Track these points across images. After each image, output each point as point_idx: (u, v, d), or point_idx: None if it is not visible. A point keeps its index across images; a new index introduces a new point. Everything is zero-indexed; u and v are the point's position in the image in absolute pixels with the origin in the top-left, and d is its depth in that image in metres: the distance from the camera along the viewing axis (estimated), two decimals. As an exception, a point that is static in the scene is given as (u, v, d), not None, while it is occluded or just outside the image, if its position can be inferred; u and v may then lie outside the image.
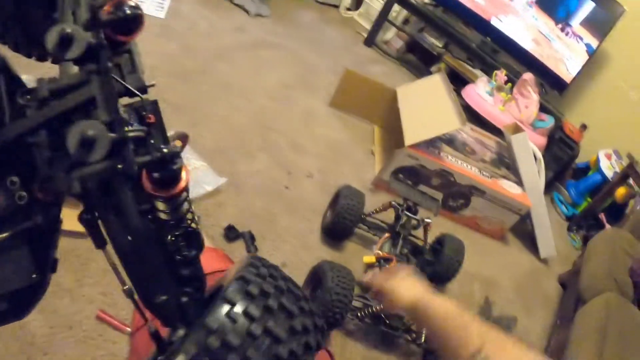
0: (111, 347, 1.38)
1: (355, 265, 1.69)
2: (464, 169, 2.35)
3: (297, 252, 1.80)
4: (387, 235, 1.79)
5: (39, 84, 0.43)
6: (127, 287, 0.50)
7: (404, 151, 2.18)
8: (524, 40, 3.49)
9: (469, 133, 2.75)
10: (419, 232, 1.90)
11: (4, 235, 0.43)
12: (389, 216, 1.92)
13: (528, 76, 3.21)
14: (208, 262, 0.67)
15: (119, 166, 0.42)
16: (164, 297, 0.48)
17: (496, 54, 3.55)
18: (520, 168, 2.58)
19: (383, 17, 3.62)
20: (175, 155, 0.44)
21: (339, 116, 2.65)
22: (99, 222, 0.47)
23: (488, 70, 3.48)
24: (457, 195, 2.39)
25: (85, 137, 0.38)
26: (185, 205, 0.48)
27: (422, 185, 2.30)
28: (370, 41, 3.68)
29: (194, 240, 0.50)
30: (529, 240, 2.67)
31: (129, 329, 1.39)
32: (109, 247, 0.49)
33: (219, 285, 0.54)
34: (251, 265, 0.51)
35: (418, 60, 3.86)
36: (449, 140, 2.50)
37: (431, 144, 2.31)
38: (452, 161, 2.34)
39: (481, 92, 3.29)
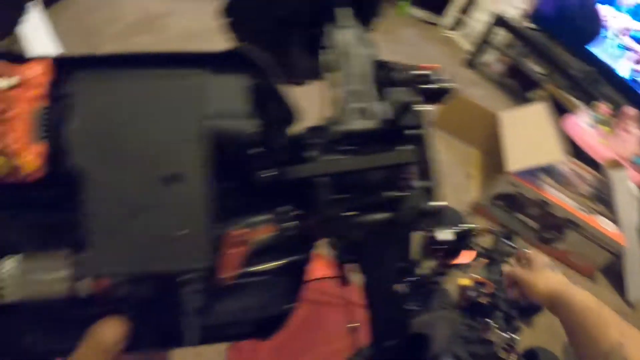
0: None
1: (449, 285, 1.69)
2: (562, 201, 2.30)
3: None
4: (482, 260, 1.79)
5: (329, 124, 0.45)
6: (354, 324, 0.53)
7: (505, 177, 2.16)
8: (627, 72, 3.38)
9: (568, 165, 2.69)
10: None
11: (276, 263, 0.45)
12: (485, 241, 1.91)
13: (630, 110, 3.10)
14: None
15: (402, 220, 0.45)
16: (392, 343, 0.50)
17: (598, 84, 3.45)
18: (618, 205, 2.50)
19: (485, 40, 3.59)
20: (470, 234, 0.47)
21: (439, 136, 2.66)
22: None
23: (588, 101, 3.39)
24: (552, 227, 2.35)
25: (416, 210, 0.43)
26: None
27: (519, 214, 2.28)
28: (470, 63, 3.66)
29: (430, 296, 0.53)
30: (618, 280, 2.57)
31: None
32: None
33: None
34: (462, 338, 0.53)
35: (518, 85, 3.80)
36: (549, 171, 2.45)
37: (532, 173, 2.29)
38: (551, 192, 2.30)
39: (582, 123, 3.21)
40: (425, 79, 0.50)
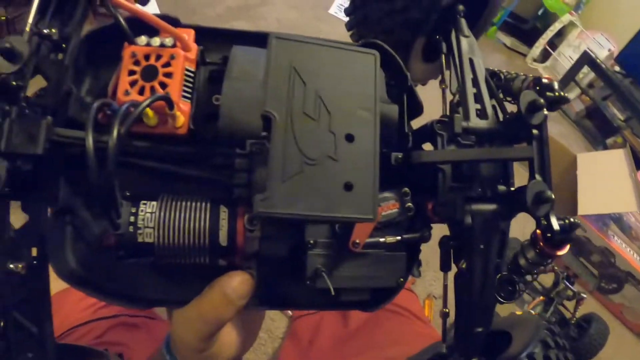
0: (269, 324, 1.48)
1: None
2: (627, 253, 2.25)
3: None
4: (541, 298, 1.78)
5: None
6: (446, 309, 0.55)
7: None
8: None
9: (637, 217, 2.62)
10: (569, 304, 1.86)
11: (397, 238, 0.49)
12: (543, 279, 1.89)
13: None
14: None
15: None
16: (480, 329, 0.52)
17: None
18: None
19: (570, 77, 3.52)
20: (575, 226, 0.49)
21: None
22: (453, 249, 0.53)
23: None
24: (611, 278, 2.29)
25: (539, 195, 0.46)
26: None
27: (582, 258, 2.24)
28: (551, 97, 3.60)
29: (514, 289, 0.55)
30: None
31: (290, 313, 1.49)
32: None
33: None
34: (549, 331, 0.55)
35: (595, 128, 3.71)
36: (617, 220, 2.40)
37: (600, 219, 2.24)
38: (617, 242, 2.25)
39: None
40: (548, 87, 0.54)
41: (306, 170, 0.38)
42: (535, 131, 0.50)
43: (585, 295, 1.80)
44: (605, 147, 3.22)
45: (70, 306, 1.07)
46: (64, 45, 0.44)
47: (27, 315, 0.44)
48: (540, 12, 4.00)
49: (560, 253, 0.50)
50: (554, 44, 3.87)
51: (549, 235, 0.49)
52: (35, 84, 0.43)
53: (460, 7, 0.64)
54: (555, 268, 1.81)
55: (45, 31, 0.42)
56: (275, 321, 1.48)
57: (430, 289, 1.76)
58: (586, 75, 3.70)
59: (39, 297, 0.45)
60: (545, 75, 3.64)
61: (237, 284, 0.46)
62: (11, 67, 0.39)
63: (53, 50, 0.43)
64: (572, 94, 3.73)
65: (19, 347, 0.44)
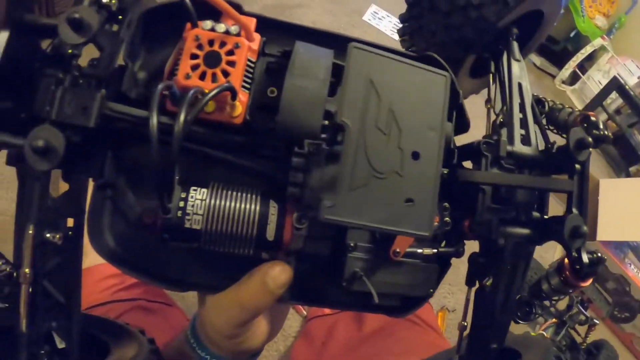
0: (282, 321, 1.49)
1: (514, 336, 1.69)
2: (643, 283, 2.24)
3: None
4: (554, 320, 1.77)
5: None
6: (464, 323, 0.56)
7: (592, 245, 2.12)
8: None
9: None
10: (580, 329, 1.85)
11: (434, 251, 0.51)
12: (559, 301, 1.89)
13: None
14: None
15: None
16: (494, 345, 0.53)
17: None
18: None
19: (598, 102, 3.50)
20: (602, 261, 0.51)
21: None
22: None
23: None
24: (625, 307, 2.28)
25: (576, 229, 0.49)
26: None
27: (597, 284, 2.23)
28: (577, 120, 3.58)
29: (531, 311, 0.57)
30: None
31: (305, 312, 1.50)
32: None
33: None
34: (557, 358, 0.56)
35: (619, 154, 3.68)
36: (635, 248, 2.38)
37: (619, 246, 2.23)
38: (634, 271, 2.23)
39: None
40: (594, 125, 0.56)
41: (373, 183, 0.40)
42: (578, 166, 0.52)
43: (597, 322, 1.80)
44: (629, 175, 3.20)
45: (90, 286, 1.08)
46: (120, 17, 0.43)
47: (56, 285, 0.45)
48: (572, 34, 3.98)
49: (583, 285, 0.52)
50: (583, 67, 3.85)
51: (577, 267, 0.51)
52: (86, 54, 0.43)
53: (514, 30, 0.66)
54: (570, 291, 1.81)
55: (104, 1, 0.41)
56: (289, 319, 1.49)
57: (444, 301, 1.77)
58: (614, 101, 3.67)
59: (70, 268, 0.46)
60: (572, 97, 3.63)
61: (277, 272, 0.47)
62: (78, 39, 0.39)
63: (108, 21, 0.43)
64: (600, 118, 3.70)
65: (45, 314, 0.44)
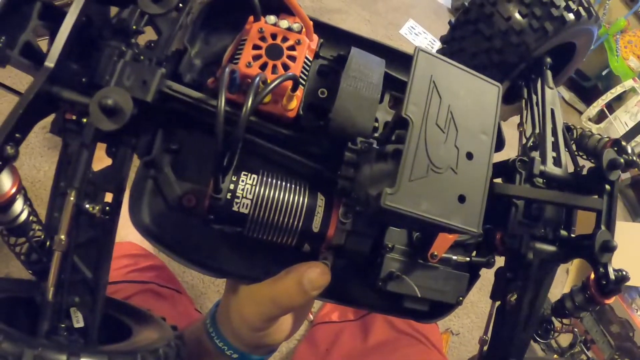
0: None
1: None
2: (647, 330, 2.22)
3: (472, 329, 1.83)
4: (555, 356, 1.77)
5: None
6: (486, 337, 0.58)
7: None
8: None
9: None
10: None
11: (467, 259, 0.53)
12: (561, 338, 1.88)
13: None
14: None
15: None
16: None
17: None
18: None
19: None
20: (627, 278, 0.52)
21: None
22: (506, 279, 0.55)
23: None
24: (627, 352, 2.25)
25: (605, 244, 0.50)
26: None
27: (602, 326, 2.22)
28: (599, 159, 3.56)
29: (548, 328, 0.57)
30: None
31: (311, 317, 1.51)
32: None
33: None
34: None
35: (637, 199, 3.66)
36: (644, 295, 2.37)
37: (627, 291, 2.22)
38: (639, 317, 2.22)
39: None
40: (624, 150, 0.60)
41: (430, 176, 0.41)
42: (607, 187, 0.54)
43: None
44: (644, 220, 3.18)
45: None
46: (180, 5, 0.44)
47: (85, 260, 0.45)
48: (604, 73, 3.96)
49: (607, 301, 0.54)
50: (611, 106, 3.83)
51: (604, 282, 0.53)
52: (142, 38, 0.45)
53: (548, 60, 0.70)
54: (575, 330, 1.80)
55: None
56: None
57: (449, 324, 1.76)
58: (638, 144, 3.66)
59: (102, 244, 0.46)
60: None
61: (316, 275, 0.47)
62: (157, 9, 0.40)
63: None
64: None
65: (69, 288, 0.44)
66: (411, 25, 2.97)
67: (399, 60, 0.54)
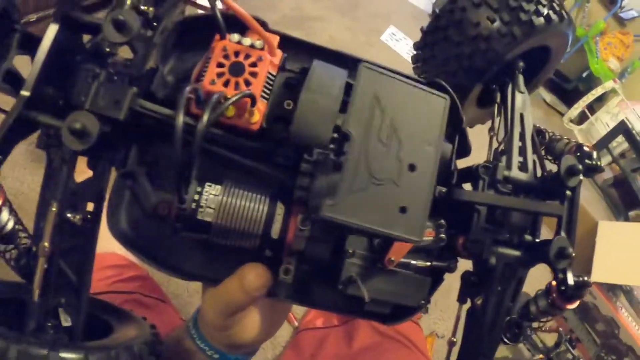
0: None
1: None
2: (632, 327, 2.24)
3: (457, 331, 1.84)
4: (541, 356, 1.78)
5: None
6: (454, 339, 0.58)
7: (586, 284, 2.13)
8: None
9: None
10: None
11: (427, 264, 0.53)
12: (546, 338, 1.90)
13: None
14: None
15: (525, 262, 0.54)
16: None
17: None
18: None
19: (604, 144, 3.52)
20: (588, 285, 0.53)
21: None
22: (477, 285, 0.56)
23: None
24: (612, 350, 2.28)
25: (561, 250, 0.51)
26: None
27: (587, 324, 2.24)
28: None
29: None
30: None
31: (296, 323, 1.51)
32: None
33: None
34: None
35: (620, 198, 3.70)
36: (628, 293, 2.39)
37: (611, 289, 2.24)
38: (624, 315, 2.24)
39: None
40: (587, 155, 0.59)
41: (371, 188, 0.43)
42: (568, 193, 0.55)
43: (583, 362, 1.81)
44: (627, 219, 3.21)
45: (88, 274, 1.09)
46: (155, 24, 0.46)
47: (70, 265, 0.48)
48: (584, 74, 4.02)
49: (569, 307, 0.55)
50: (592, 108, 3.88)
51: (563, 288, 0.53)
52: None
53: (520, 64, 0.71)
54: (560, 329, 1.82)
55: (142, 8, 0.44)
56: (281, 329, 1.49)
57: (435, 327, 1.77)
58: (620, 144, 3.69)
59: (85, 249, 0.50)
60: (579, 137, 3.64)
61: (252, 277, 0.50)
62: (120, 38, 0.42)
63: (144, 27, 0.45)
64: (603, 161, 3.71)
65: (56, 290, 0.48)
66: (392, 31, 2.99)
67: None
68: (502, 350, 1.91)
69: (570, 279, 0.53)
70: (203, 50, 0.50)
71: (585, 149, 0.61)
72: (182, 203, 0.46)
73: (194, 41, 0.52)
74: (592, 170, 0.57)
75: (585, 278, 0.53)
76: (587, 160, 0.57)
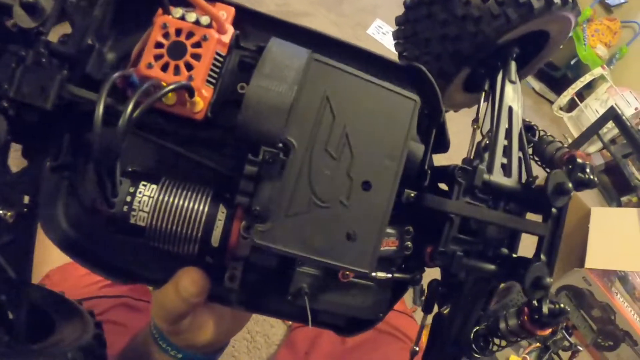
0: (267, 329, 1.49)
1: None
2: (628, 312, 2.24)
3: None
4: (538, 344, 1.78)
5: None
6: (416, 348, 0.53)
7: (581, 272, 2.13)
8: None
9: (642, 278, 2.62)
10: (564, 354, 1.86)
11: (388, 276, 0.48)
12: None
13: None
14: None
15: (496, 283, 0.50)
16: None
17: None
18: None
19: (594, 130, 3.51)
20: (564, 313, 0.47)
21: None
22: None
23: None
24: (609, 335, 2.28)
25: (538, 280, 0.45)
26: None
27: (583, 311, 2.24)
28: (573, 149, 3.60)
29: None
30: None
31: (290, 322, 1.50)
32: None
33: None
34: None
35: (612, 184, 3.71)
36: (623, 278, 2.39)
37: (606, 275, 2.24)
38: (620, 300, 2.24)
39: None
40: (581, 167, 0.50)
41: (313, 211, 0.38)
42: (554, 210, 0.49)
43: (581, 349, 1.81)
44: (620, 205, 3.22)
45: (75, 280, 1.07)
46: None
47: (8, 260, 0.44)
48: (572, 62, 4.02)
49: (540, 333, 0.49)
50: (582, 95, 3.88)
51: (536, 316, 0.48)
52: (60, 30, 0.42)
53: (515, 49, 0.61)
54: (524, 336, 1.81)
55: None
56: (274, 327, 1.49)
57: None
58: (610, 130, 3.69)
59: (23, 244, 0.47)
60: (569, 124, 3.65)
61: (187, 283, 0.46)
62: (31, 23, 0.38)
63: None
64: (594, 147, 3.73)
65: None
66: (378, 24, 2.98)
67: (335, 49, 0.48)
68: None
69: (545, 309, 0.47)
70: (147, 26, 0.43)
71: (579, 160, 0.51)
72: (110, 207, 0.40)
73: (136, 16, 0.45)
74: (584, 185, 0.50)
75: (563, 306, 0.48)
76: (579, 174, 0.49)
